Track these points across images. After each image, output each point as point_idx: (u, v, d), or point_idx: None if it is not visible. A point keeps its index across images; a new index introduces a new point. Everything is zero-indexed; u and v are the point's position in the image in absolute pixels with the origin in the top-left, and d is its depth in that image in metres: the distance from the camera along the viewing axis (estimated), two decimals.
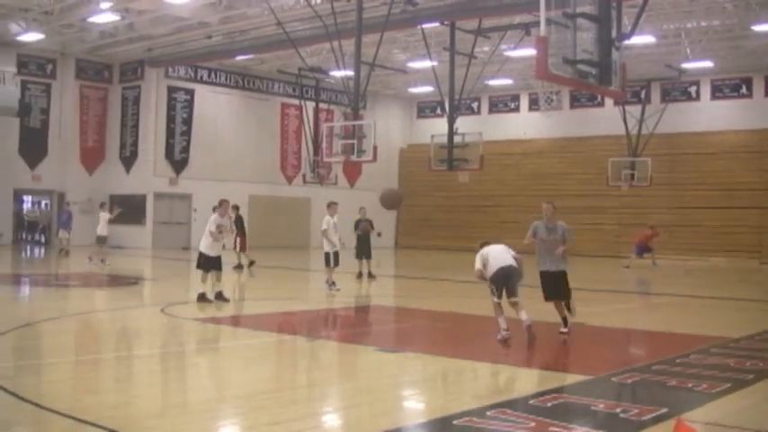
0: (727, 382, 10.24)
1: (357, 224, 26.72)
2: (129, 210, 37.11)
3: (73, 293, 21.82)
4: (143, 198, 42.17)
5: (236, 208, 31.46)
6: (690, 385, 10.06)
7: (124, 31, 38.72)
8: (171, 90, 43.47)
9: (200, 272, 18.61)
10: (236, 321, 16.09)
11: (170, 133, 43.36)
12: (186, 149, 43.95)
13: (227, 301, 18.35)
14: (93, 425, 7.70)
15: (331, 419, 8.80)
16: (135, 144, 43.38)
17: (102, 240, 30.52)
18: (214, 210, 19.22)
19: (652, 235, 36.32)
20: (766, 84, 42.71)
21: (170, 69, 43.14)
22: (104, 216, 30.86)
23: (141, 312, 17.95)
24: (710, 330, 15.66)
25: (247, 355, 12.53)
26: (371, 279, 25.58)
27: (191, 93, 44.19)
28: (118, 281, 25.32)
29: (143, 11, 35.16)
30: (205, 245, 18.54)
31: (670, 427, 6.63)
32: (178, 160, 43.65)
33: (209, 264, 18.47)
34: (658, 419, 8.32)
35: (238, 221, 30.80)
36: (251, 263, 29.96)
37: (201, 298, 18.09)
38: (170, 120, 43.36)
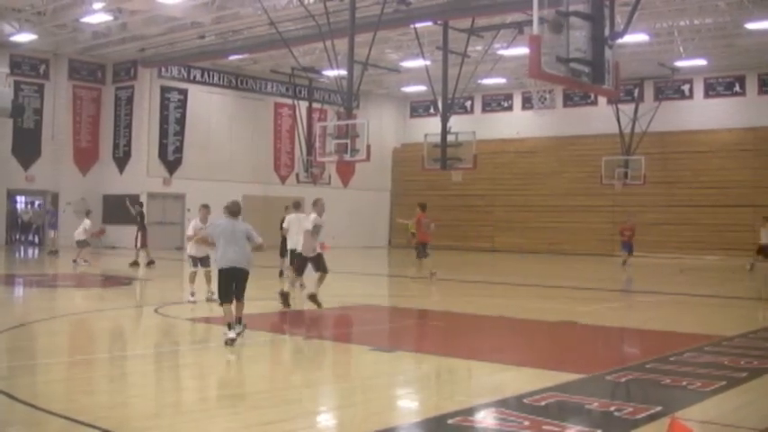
0: (722, 380, 10.25)
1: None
2: (121, 210, 37.03)
3: (66, 294, 21.82)
4: (136, 198, 42.11)
5: (140, 204, 31.69)
6: (684, 383, 10.06)
7: (117, 31, 38.71)
8: (164, 90, 43.45)
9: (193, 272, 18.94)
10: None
11: (163, 133, 43.33)
12: (179, 149, 43.94)
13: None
14: (88, 425, 7.69)
15: (325, 419, 8.80)
16: (128, 144, 43.36)
17: (82, 244, 30.47)
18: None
19: (623, 229, 36.26)
20: (759, 82, 42.76)
21: (163, 69, 43.11)
22: (87, 223, 30.80)
23: (135, 312, 17.96)
24: (704, 328, 15.68)
25: (241, 355, 12.52)
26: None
27: (184, 93, 44.17)
28: (111, 281, 25.31)
29: (136, 11, 35.15)
30: (191, 247, 18.90)
31: (664, 426, 6.64)
32: (171, 160, 43.63)
33: (200, 263, 18.85)
34: (653, 418, 8.33)
35: (139, 217, 30.92)
36: (149, 262, 29.93)
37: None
38: (163, 120, 43.33)
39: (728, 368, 11.14)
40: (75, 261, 29.84)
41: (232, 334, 12.75)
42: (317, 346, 13.82)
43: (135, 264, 29.75)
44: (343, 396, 9.86)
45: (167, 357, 12.54)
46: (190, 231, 19.07)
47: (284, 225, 22.72)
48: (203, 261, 18.84)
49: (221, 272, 13.22)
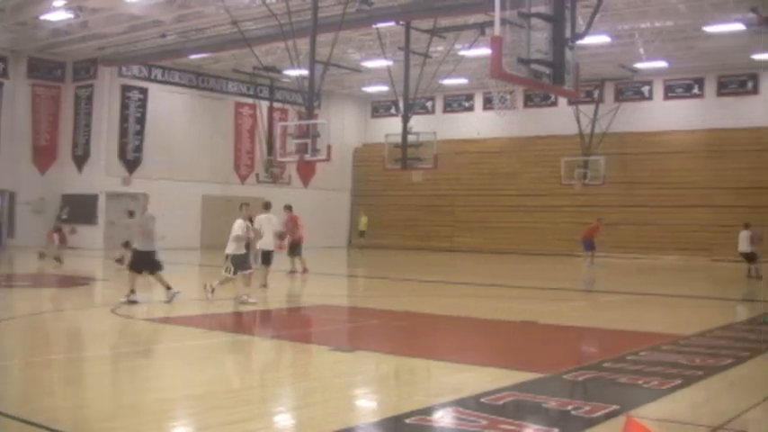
0: (678, 378, 10.35)
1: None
2: (81, 209, 36.88)
3: (23, 294, 21.60)
4: (95, 198, 41.82)
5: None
6: (641, 382, 10.14)
7: (77, 29, 38.39)
8: (124, 89, 43.15)
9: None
10: (188, 321, 16.00)
11: (123, 132, 43.03)
12: (139, 149, 43.66)
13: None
14: (45, 428, 7.64)
15: (284, 419, 8.80)
16: (87, 143, 43.02)
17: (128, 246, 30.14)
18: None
19: (597, 227, 36.51)
20: (718, 84, 43.16)
21: (123, 68, 42.81)
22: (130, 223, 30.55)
23: (92, 313, 17.83)
24: (661, 328, 15.81)
25: (201, 356, 12.49)
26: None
27: (144, 92, 43.90)
28: (69, 281, 25.13)
29: (96, 9, 34.90)
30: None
31: (621, 424, 6.69)
32: (131, 160, 43.35)
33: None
34: (609, 416, 8.39)
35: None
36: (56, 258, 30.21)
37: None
38: (123, 119, 43.02)
39: (684, 366, 11.25)
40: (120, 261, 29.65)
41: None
42: (277, 347, 13.80)
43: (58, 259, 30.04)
44: (302, 396, 9.85)
45: (125, 358, 12.47)
46: (239, 231, 18.97)
47: (255, 225, 22.83)
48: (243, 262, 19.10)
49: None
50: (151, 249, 18.58)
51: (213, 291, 18.73)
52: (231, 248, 18.90)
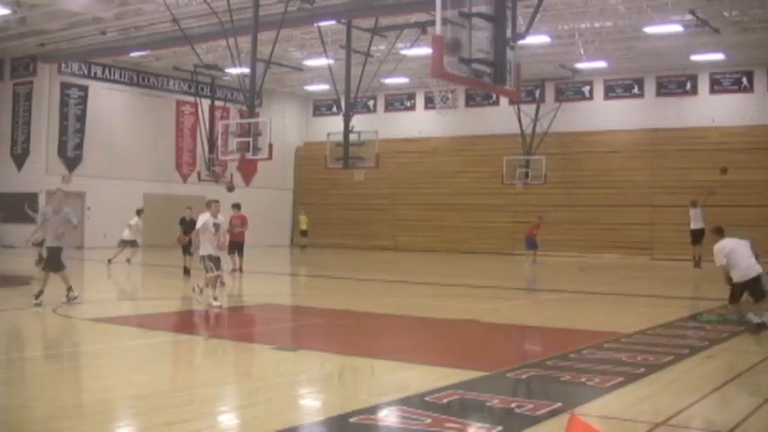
0: (620, 375, 10.43)
1: (182, 221, 26.62)
2: (21, 208, 36.36)
3: None
4: (35, 196, 41.29)
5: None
6: (583, 380, 10.22)
7: (16, 25, 37.91)
8: (64, 86, 42.67)
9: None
10: (130, 321, 15.88)
11: (63, 130, 42.56)
12: (80, 147, 43.21)
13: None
14: None
15: (227, 419, 8.74)
16: (27, 141, 42.50)
17: (125, 244, 29.84)
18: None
19: (538, 225, 36.67)
20: (657, 84, 43.58)
21: (63, 65, 42.35)
22: (134, 221, 30.21)
23: (33, 313, 17.60)
24: (603, 326, 15.93)
25: (143, 356, 12.39)
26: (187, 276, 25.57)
27: (84, 89, 43.44)
28: (8, 281, 24.81)
29: (35, 5, 34.48)
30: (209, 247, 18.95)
31: (564, 422, 6.73)
32: (71, 158, 42.89)
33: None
34: (553, 414, 8.44)
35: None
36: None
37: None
38: (63, 117, 42.55)
39: (626, 364, 11.33)
40: (126, 258, 29.34)
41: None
42: (220, 346, 13.73)
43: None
44: (245, 395, 9.82)
45: (67, 358, 12.34)
46: (198, 224, 18.84)
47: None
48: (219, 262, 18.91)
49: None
50: (61, 246, 18.45)
51: (201, 291, 18.57)
52: (206, 249, 18.68)
